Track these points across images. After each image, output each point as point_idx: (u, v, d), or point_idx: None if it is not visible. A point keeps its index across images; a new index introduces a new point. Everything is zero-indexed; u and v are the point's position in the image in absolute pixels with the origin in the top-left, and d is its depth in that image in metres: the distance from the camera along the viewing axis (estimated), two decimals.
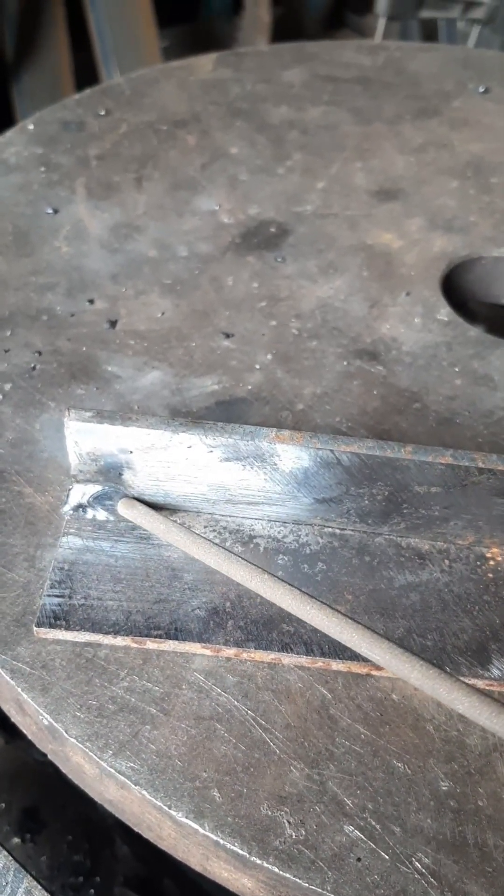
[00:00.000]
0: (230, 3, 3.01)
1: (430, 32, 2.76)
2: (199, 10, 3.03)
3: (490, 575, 0.57)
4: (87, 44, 2.24)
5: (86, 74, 2.24)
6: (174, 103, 1.09)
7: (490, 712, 0.43)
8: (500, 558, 0.58)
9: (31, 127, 1.02)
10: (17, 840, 0.80)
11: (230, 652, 0.52)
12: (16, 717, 0.54)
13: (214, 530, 0.59)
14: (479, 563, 0.58)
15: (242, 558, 0.53)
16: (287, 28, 2.96)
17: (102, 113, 1.06)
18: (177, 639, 0.52)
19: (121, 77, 1.15)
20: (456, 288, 0.87)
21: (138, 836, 0.66)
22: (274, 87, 1.15)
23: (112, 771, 0.47)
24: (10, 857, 0.48)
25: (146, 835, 0.50)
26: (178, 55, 2.53)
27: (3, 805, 0.82)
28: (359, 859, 0.44)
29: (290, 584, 0.51)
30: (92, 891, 0.79)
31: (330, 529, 0.59)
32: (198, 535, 0.54)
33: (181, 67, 1.19)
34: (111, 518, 0.58)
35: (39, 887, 0.46)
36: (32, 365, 0.71)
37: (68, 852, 0.81)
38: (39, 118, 1.04)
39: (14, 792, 0.83)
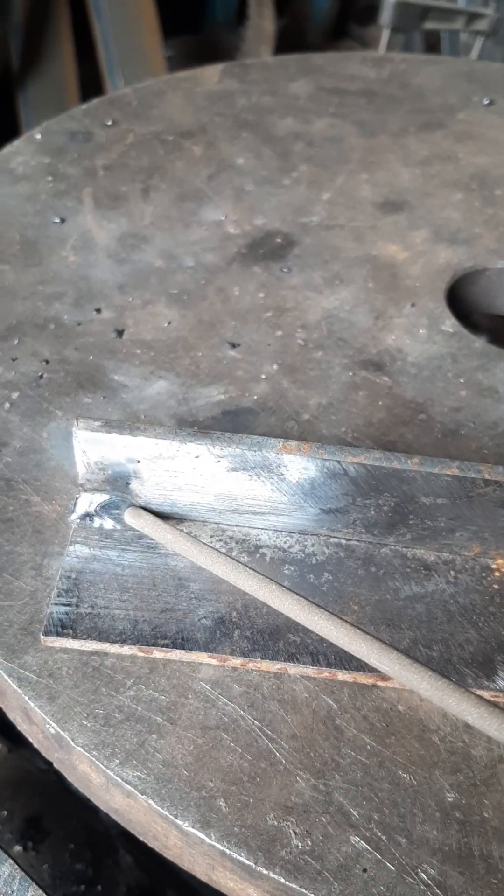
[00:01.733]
0: (234, 13, 3.02)
1: (432, 43, 2.78)
2: (203, 20, 3.04)
3: (495, 586, 0.57)
4: (92, 54, 2.26)
5: (91, 85, 2.26)
6: (181, 114, 1.10)
7: (500, 723, 0.43)
8: None
9: (38, 137, 1.03)
10: (19, 848, 0.80)
11: (236, 662, 0.52)
12: (22, 726, 0.54)
13: (221, 540, 0.59)
14: (484, 574, 0.58)
15: (249, 568, 0.53)
16: (290, 38, 2.98)
17: (109, 123, 1.07)
18: (183, 648, 0.52)
19: (128, 87, 1.16)
20: (460, 299, 0.88)
21: (141, 846, 0.65)
22: (280, 99, 1.15)
23: (118, 780, 0.47)
24: (16, 866, 0.48)
25: (152, 844, 0.50)
26: (182, 65, 2.54)
27: (6, 813, 0.82)
28: (365, 870, 0.44)
29: (297, 594, 0.51)
30: None
31: (336, 540, 0.59)
32: (205, 544, 0.55)
33: (188, 78, 1.20)
34: (118, 527, 0.58)
35: (44, 895, 0.46)
36: (40, 374, 0.72)
37: (71, 861, 0.81)
38: (46, 128, 1.05)
39: (17, 800, 0.83)
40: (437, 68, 1.29)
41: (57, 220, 0.89)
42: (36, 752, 0.63)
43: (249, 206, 0.94)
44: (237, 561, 0.54)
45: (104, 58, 2.25)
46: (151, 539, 0.57)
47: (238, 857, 0.44)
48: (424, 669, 0.45)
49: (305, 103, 1.15)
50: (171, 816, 0.46)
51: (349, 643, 0.47)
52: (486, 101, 1.18)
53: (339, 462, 0.54)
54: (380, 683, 0.52)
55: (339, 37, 3.25)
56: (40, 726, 0.50)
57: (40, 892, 0.47)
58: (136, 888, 0.79)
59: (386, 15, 2.07)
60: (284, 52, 2.69)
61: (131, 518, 0.58)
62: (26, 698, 0.50)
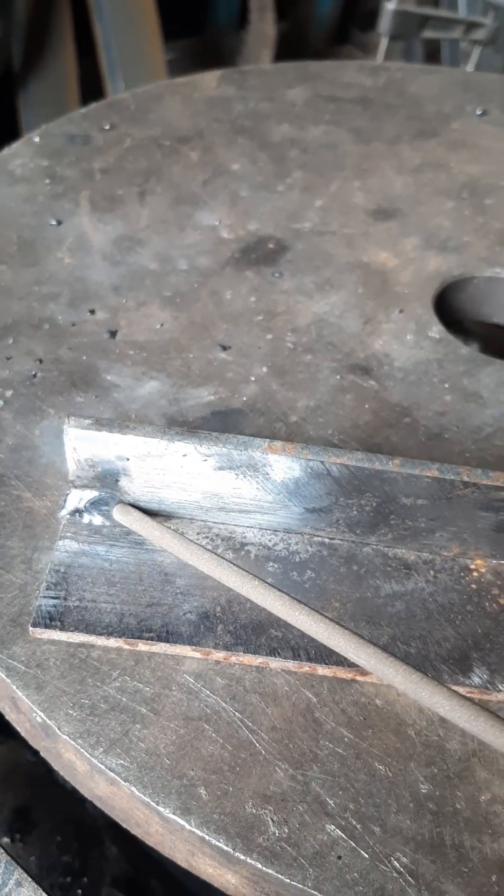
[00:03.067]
0: (235, 17, 3.04)
1: (433, 51, 2.80)
2: (205, 23, 3.06)
3: (473, 586, 0.59)
4: (93, 54, 2.27)
5: (91, 84, 2.27)
6: (178, 119, 1.12)
7: (469, 715, 0.45)
8: (483, 570, 0.60)
9: (37, 139, 1.04)
10: (6, 839, 0.82)
11: (219, 655, 0.53)
12: (10, 715, 0.55)
13: (207, 537, 0.60)
14: (462, 574, 0.60)
15: (234, 564, 0.54)
16: (292, 42, 3.00)
17: (108, 127, 1.08)
18: (168, 641, 0.53)
19: (126, 92, 1.18)
20: (448, 306, 0.89)
21: (126, 837, 0.67)
22: (276, 106, 1.17)
23: (102, 767, 0.48)
24: (2, 851, 0.49)
25: (134, 831, 0.51)
26: (183, 68, 2.56)
27: None
28: (339, 857, 0.46)
29: (279, 590, 0.52)
30: (80, 891, 0.80)
31: (319, 538, 0.61)
32: (191, 541, 0.56)
33: (186, 84, 1.21)
34: (107, 523, 0.60)
35: (29, 879, 0.48)
36: (33, 372, 0.73)
37: (58, 852, 0.82)
38: (45, 131, 1.06)
39: (5, 792, 0.84)
40: (433, 77, 1.31)
41: (54, 222, 0.91)
42: (24, 744, 0.64)
43: (244, 211, 0.95)
44: (222, 557, 0.55)
45: (105, 58, 2.26)
46: (139, 535, 0.59)
47: (217, 843, 0.46)
48: (399, 663, 0.46)
49: (302, 110, 1.17)
50: (152, 803, 0.47)
51: (328, 638, 0.49)
52: (479, 112, 1.20)
53: (322, 462, 0.55)
54: (358, 678, 0.53)
55: (341, 42, 3.27)
56: (27, 715, 0.52)
57: (25, 875, 0.48)
58: (122, 879, 0.81)
59: (385, 23, 2.09)
60: (286, 56, 2.71)
61: (120, 515, 0.59)
62: (14, 688, 0.51)
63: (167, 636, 0.53)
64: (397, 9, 2.07)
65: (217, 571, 0.54)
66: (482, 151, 1.11)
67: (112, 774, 0.48)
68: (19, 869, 0.48)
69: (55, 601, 0.55)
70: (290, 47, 2.94)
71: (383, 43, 2.16)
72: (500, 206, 1.00)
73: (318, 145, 1.09)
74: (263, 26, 2.89)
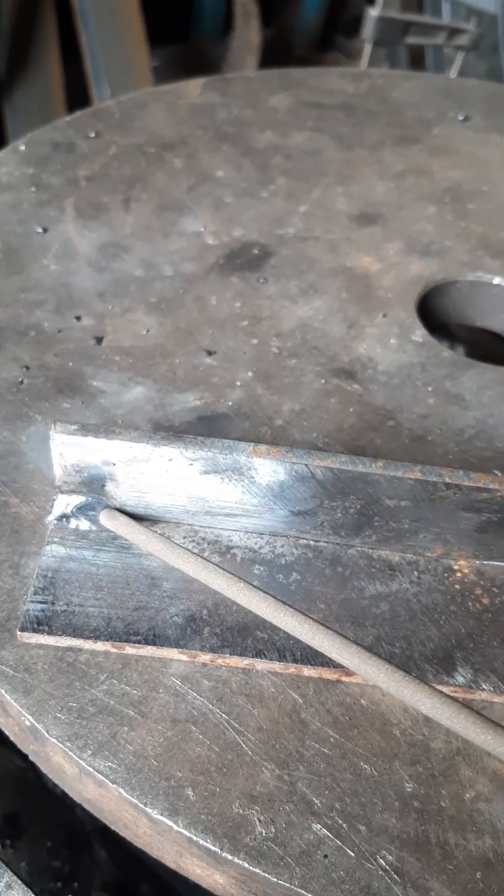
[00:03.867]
0: (220, 23, 3.06)
1: (417, 57, 2.82)
2: (190, 30, 3.07)
3: (457, 586, 0.60)
4: (78, 61, 2.28)
5: (77, 91, 2.28)
6: (162, 126, 1.13)
7: (451, 712, 0.45)
8: (466, 570, 0.61)
9: (22, 147, 1.05)
10: None
11: (206, 657, 0.54)
12: None
13: (193, 541, 0.61)
14: (446, 574, 0.60)
15: (220, 567, 0.55)
16: (277, 49, 3.02)
17: (92, 135, 1.09)
18: (155, 644, 0.54)
19: (111, 100, 1.18)
20: (431, 310, 0.90)
21: (116, 842, 0.67)
22: (260, 113, 1.18)
23: (91, 770, 0.49)
24: None
25: (123, 833, 0.51)
26: (168, 74, 2.57)
27: None
28: (326, 856, 0.46)
29: (265, 592, 0.53)
30: None
31: (304, 541, 0.61)
32: (177, 544, 0.57)
33: (170, 91, 1.22)
34: (94, 528, 0.60)
35: (20, 883, 0.48)
36: (20, 379, 0.73)
37: (48, 858, 0.82)
38: (31, 139, 1.07)
39: None
40: (415, 84, 1.32)
41: (39, 230, 0.91)
42: (13, 750, 0.64)
43: (228, 218, 0.96)
44: (208, 561, 0.56)
45: (90, 65, 2.27)
46: (126, 540, 0.59)
47: (204, 843, 0.46)
48: (382, 662, 0.47)
49: (285, 117, 1.18)
50: (140, 805, 0.47)
51: (312, 638, 0.50)
52: (461, 117, 1.22)
53: (306, 465, 0.56)
54: (344, 679, 0.54)
55: (326, 48, 3.29)
56: (16, 719, 0.52)
57: (15, 878, 0.48)
58: (111, 883, 0.81)
59: (368, 29, 2.11)
60: (271, 62, 2.72)
61: (106, 519, 0.60)
62: (3, 692, 0.52)
63: (154, 639, 0.54)
64: (381, 15, 2.09)
65: (203, 574, 0.55)
66: (463, 157, 1.12)
67: (100, 777, 0.48)
68: (10, 873, 0.48)
69: (43, 605, 0.55)
70: (275, 54, 2.95)
71: (367, 49, 2.18)
72: (482, 211, 1.01)
73: (301, 152, 1.10)
74: (248, 33, 2.90)
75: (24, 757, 0.56)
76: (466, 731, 0.46)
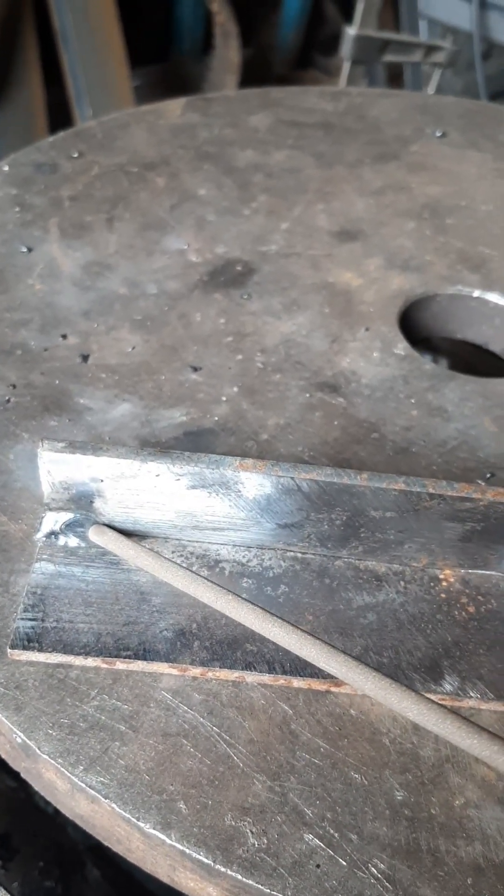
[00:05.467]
0: (200, 43, 3.09)
1: (395, 73, 2.86)
2: (170, 50, 3.11)
3: (443, 595, 0.60)
4: (60, 81, 2.30)
5: (59, 112, 2.29)
6: (144, 146, 1.14)
7: (437, 718, 0.46)
8: (451, 579, 0.61)
9: (5, 168, 1.06)
10: None
11: (196, 671, 0.54)
12: None
13: (182, 555, 0.62)
14: (432, 584, 0.61)
15: (209, 580, 0.55)
16: (256, 68, 3.05)
17: (75, 155, 1.10)
18: (145, 659, 0.54)
19: (93, 120, 1.20)
20: (412, 324, 0.92)
21: (108, 860, 0.67)
22: (240, 132, 1.20)
23: (83, 785, 0.49)
24: None
25: (115, 848, 0.52)
26: (149, 94, 2.59)
27: None
28: (318, 866, 0.47)
29: (254, 604, 0.54)
30: None
31: (292, 553, 0.62)
32: (165, 558, 0.57)
33: (151, 111, 1.23)
34: (82, 544, 0.61)
35: None
36: (7, 398, 0.74)
37: (40, 878, 0.82)
38: (14, 160, 1.08)
39: None
40: (393, 101, 1.34)
41: (24, 250, 0.92)
42: (3, 770, 0.64)
43: (211, 236, 0.97)
44: (197, 574, 0.56)
45: (72, 86, 2.29)
46: (115, 555, 0.60)
47: (197, 856, 0.47)
48: (370, 671, 0.48)
49: (265, 136, 1.19)
50: (133, 819, 0.48)
51: (301, 649, 0.50)
52: (438, 134, 1.24)
53: (292, 478, 0.57)
54: (333, 689, 0.54)
55: (304, 66, 3.33)
56: (7, 736, 0.52)
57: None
58: None
59: (346, 48, 2.14)
60: (251, 81, 2.75)
61: (95, 535, 0.60)
62: None
63: (144, 654, 0.54)
64: (359, 34, 2.12)
65: (192, 588, 0.55)
66: (441, 173, 1.14)
67: (92, 792, 0.49)
68: (3, 893, 0.48)
69: (33, 622, 0.55)
70: (255, 73, 2.98)
71: (346, 67, 2.21)
72: (460, 226, 1.03)
73: (281, 170, 1.11)
74: (228, 53, 2.93)
75: (14, 776, 0.56)
76: (453, 737, 0.47)
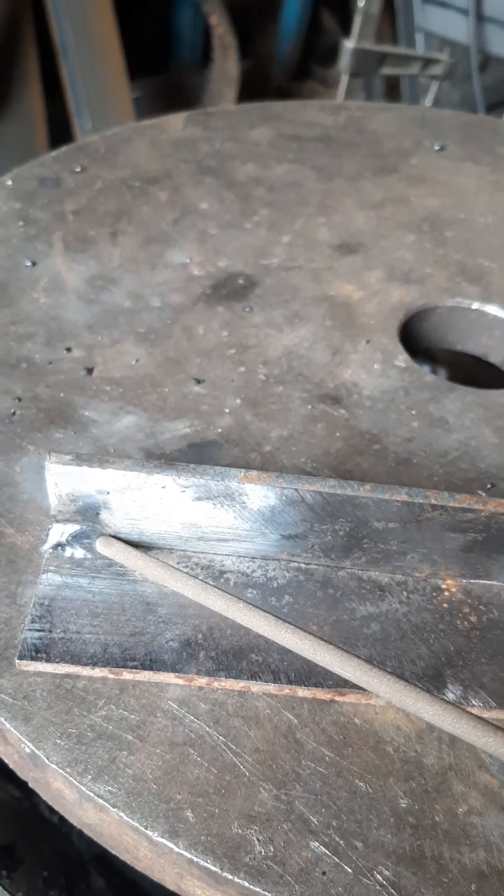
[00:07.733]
0: (199, 55, 3.11)
1: (393, 86, 2.88)
2: (169, 62, 3.13)
3: (445, 605, 0.61)
4: (60, 94, 2.31)
5: (59, 125, 2.31)
6: (147, 161, 1.15)
7: (452, 718, 0.47)
8: (454, 589, 0.62)
9: (9, 183, 1.07)
10: None
11: (202, 681, 0.55)
12: None
13: (187, 566, 0.62)
14: (434, 594, 0.62)
15: (219, 588, 0.56)
16: (254, 80, 3.07)
17: (78, 170, 1.11)
18: (151, 669, 0.55)
19: (96, 135, 1.21)
20: (413, 336, 0.93)
21: (113, 869, 0.67)
22: (241, 146, 1.21)
23: (91, 795, 0.49)
24: None
25: (123, 857, 0.52)
26: (148, 106, 2.60)
27: None
28: (324, 873, 0.47)
29: (265, 611, 0.54)
30: None
31: (296, 564, 0.63)
32: (174, 567, 0.58)
33: (153, 126, 1.25)
34: (89, 556, 0.61)
35: None
36: (13, 410, 0.75)
37: (45, 887, 0.82)
38: (18, 174, 1.09)
39: None
40: (392, 115, 1.35)
41: (28, 263, 0.93)
42: (8, 780, 0.65)
43: (213, 249, 0.98)
44: (206, 583, 0.57)
45: (72, 98, 2.31)
46: (121, 567, 0.61)
47: (205, 863, 0.47)
48: (385, 674, 0.49)
49: (266, 149, 1.21)
50: (141, 828, 0.48)
51: (314, 654, 0.51)
52: (437, 147, 1.25)
53: (296, 490, 0.58)
54: (337, 698, 0.55)
55: (303, 78, 3.36)
56: (16, 746, 0.53)
57: None
58: None
59: (344, 61, 2.16)
60: (249, 92, 2.77)
61: (102, 547, 0.61)
62: (2, 720, 0.52)
63: (151, 664, 0.55)
64: (357, 47, 2.14)
65: (202, 596, 0.56)
66: (440, 185, 1.16)
67: (101, 801, 0.49)
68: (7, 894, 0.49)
69: (40, 633, 0.56)
70: (254, 85, 3.01)
71: (344, 80, 2.23)
72: (459, 239, 1.04)
73: (282, 183, 1.13)
74: (227, 65, 2.96)
75: (20, 786, 0.56)
76: (469, 735, 0.47)
